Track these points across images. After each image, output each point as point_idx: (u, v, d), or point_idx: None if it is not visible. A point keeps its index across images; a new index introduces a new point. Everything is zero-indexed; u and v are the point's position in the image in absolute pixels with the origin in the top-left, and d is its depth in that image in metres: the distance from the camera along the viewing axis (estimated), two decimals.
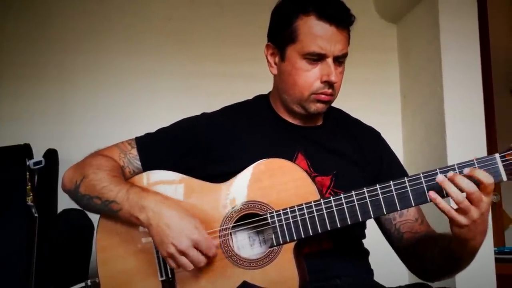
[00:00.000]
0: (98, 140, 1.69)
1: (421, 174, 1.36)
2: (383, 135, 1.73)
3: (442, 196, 1.31)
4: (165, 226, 1.39)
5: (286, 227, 1.41)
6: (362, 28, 1.59)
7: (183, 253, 1.38)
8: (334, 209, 1.39)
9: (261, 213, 1.44)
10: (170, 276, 1.47)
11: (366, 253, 1.62)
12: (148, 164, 1.57)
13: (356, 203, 1.38)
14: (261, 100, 1.69)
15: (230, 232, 1.45)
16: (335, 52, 1.50)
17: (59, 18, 2.58)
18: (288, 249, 1.41)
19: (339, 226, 1.39)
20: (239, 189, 1.47)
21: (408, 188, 1.36)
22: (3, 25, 2.54)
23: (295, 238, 1.41)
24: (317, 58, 1.50)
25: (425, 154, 2.49)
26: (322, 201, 1.40)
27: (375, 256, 1.64)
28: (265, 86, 1.70)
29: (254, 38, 1.83)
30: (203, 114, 1.66)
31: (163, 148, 1.60)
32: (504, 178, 1.32)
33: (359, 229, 1.60)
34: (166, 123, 1.66)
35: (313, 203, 1.40)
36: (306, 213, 1.40)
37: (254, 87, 1.74)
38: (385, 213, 1.39)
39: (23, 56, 2.54)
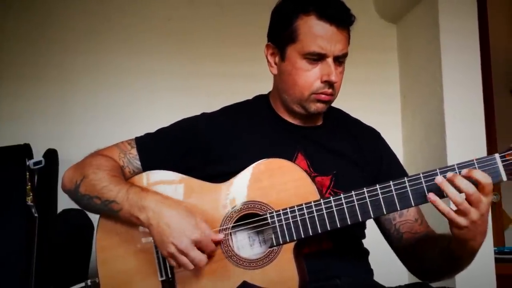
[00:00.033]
0: (98, 140, 1.69)
1: (421, 174, 1.36)
2: (383, 135, 1.73)
3: (442, 197, 1.31)
4: (166, 226, 1.39)
5: (286, 227, 1.41)
6: (362, 28, 1.59)
7: (183, 252, 1.38)
8: (334, 209, 1.39)
9: (261, 213, 1.44)
10: (170, 276, 1.47)
11: (366, 253, 1.62)
12: (148, 164, 1.57)
13: (356, 203, 1.38)
14: (261, 100, 1.69)
15: (230, 232, 1.45)
16: (335, 52, 1.50)
17: (59, 18, 2.58)
18: (288, 249, 1.41)
19: (339, 226, 1.39)
20: (239, 189, 1.47)
21: (408, 188, 1.36)
22: (3, 25, 2.54)
23: (295, 238, 1.41)
24: (317, 58, 1.50)
25: (425, 154, 2.49)
26: (322, 201, 1.40)
27: (375, 256, 1.64)
28: (265, 86, 1.70)
29: (254, 38, 1.83)
30: (203, 114, 1.66)
31: (163, 148, 1.60)
32: (504, 178, 1.32)
33: (359, 229, 1.60)
34: (166, 123, 1.66)
35: (313, 203, 1.40)
36: (306, 213, 1.40)
37: (254, 87, 1.74)
38: (385, 213, 1.39)
39: (23, 56, 2.53)
